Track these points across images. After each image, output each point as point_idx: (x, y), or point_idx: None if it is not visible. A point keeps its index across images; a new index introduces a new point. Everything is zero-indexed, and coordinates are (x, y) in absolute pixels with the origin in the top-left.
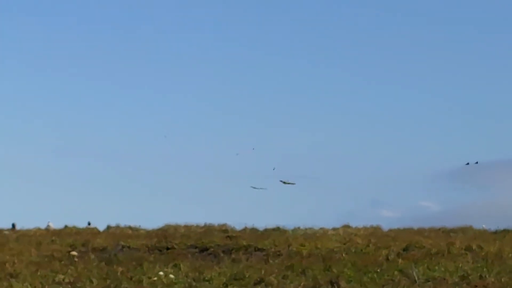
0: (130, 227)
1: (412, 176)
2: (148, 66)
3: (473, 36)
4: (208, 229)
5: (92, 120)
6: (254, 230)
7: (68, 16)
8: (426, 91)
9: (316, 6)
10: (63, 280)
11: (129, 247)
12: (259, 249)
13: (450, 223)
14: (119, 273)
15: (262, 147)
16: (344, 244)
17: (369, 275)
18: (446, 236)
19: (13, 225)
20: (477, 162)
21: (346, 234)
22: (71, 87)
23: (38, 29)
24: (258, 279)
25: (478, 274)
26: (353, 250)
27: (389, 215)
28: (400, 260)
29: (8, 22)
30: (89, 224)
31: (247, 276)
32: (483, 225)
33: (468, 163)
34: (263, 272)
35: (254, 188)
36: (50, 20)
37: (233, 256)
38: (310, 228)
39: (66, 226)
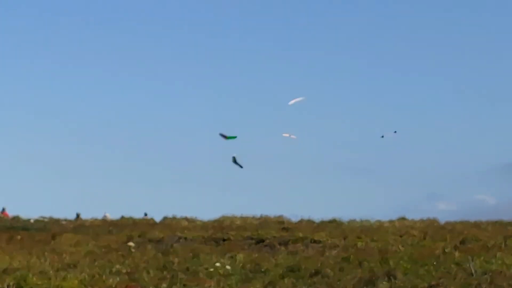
0: (186, 218)
1: (468, 169)
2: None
3: None
4: (264, 221)
5: (150, 115)
6: (310, 222)
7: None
8: (482, 86)
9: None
10: (120, 270)
11: (185, 238)
12: (315, 241)
13: (506, 216)
14: (175, 264)
15: (321, 140)
16: (401, 236)
17: (426, 267)
18: (503, 229)
19: (78, 215)
20: (395, 132)
21: (403, 227)
22: (121, 81)
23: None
24: (314, 271)
25: None
26: (410, 243)
27: (445, 208)
28: (456, 253)
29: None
30: (145, 215)
31: (303, 267)
32: None
33: (383, 136)
34: (319, 264)
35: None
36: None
37: (289, 247)
38: (366, 220)
39: (122, 217)
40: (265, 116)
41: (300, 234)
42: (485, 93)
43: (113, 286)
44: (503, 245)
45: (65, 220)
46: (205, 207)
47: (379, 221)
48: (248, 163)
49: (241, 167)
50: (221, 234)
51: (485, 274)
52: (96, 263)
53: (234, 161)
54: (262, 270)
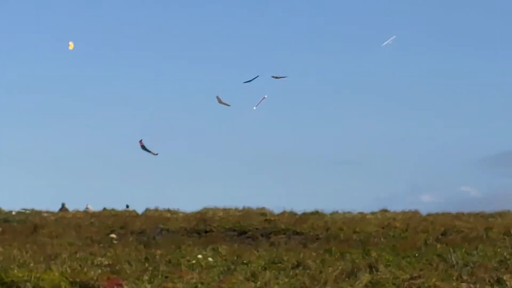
0: (168, 210)
1: (452, 161)
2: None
3: None
4: (246, 213)
5: (131, 105)
6: (292, 214)
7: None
8: (467, 78)
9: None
10: (102, 262)
11: (167, 230)
12: (297, 233)
13: (489, 208)
14: (157, 256)
15: (303, 131)
16: (383, 228)
17: (408, 259)
18: (485, 221)
19: (63, 205)
20: (285, 77)
21: (385, 219)
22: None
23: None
24: (296, 263)
25: None
26: (392, 234)
27: (429, 200)
28: (438, 245)
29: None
30: (127, 207)
31: (285, 259)
32: None
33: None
34: (301, 255)
35: (276, 77)
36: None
37: (271, 239)
38: (348, 212)
39: (104, 209)
40: (249, 108)
41: (283, 226)
42: (470, 85)
43: (95, 278)
44: (484, 237)
45: (47, 212)
46: (187, 198)
47: (361, 213)
48: (232, 154)
49: (228, 105)
50: (203, 226)
51: (467, 265)
52: (77, 255)
53: (219, 101)
54: (244, 262)
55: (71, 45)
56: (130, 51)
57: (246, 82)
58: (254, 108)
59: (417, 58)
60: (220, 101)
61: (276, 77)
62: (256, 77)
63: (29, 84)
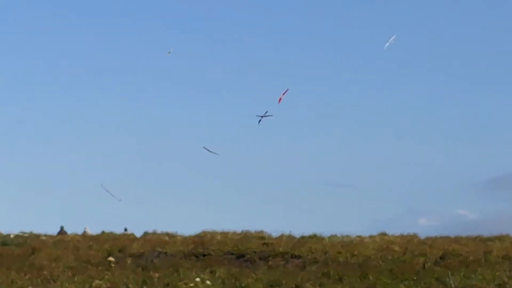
0: (167, 234)
1: (449, 185)
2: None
3: None
4: (245, 236)
5: (130, 129)
6: (290, 237)
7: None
8: (464, 102)
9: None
10: (100, 285)
11: (165, 253)
12: (295, 256)
13: (487, 232)
14: (155, 279)
15: (301, 155)
16: (381, 251)
17: (406, 282)
18: (483, 245)
19: (62, 228)
20: (269, 115)
21: (383, 242)
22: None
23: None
24: (295, 286)
25: None
26: (390, 258)
27: (426, 224)
28: (437, 268)
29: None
30: (125, 230)
31: (283, 283)
32: None
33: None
34: (299, 279)
35: (207, 150)
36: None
37: (269, 263)
38: (347, 236)
39: (103, 232)
40: (248, 130)
41: (281, 249)
42: (468, 108)
43: None
44: (483, 261)
45: (45, 235)
46: (185, 222)
47: (359, 236)
48: (230, 178)
49: (217, 154)
50: (202, 249)
51: None
52: (75, 278)
53: (208, 150)
54: (243, 285)
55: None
56: (135, 77)
57: (259, 117)
58: (279, 102)
59: (414, 81)
60: (208, 150)
61: (208, 150)
62: (270, 115)
63: (27, 107)
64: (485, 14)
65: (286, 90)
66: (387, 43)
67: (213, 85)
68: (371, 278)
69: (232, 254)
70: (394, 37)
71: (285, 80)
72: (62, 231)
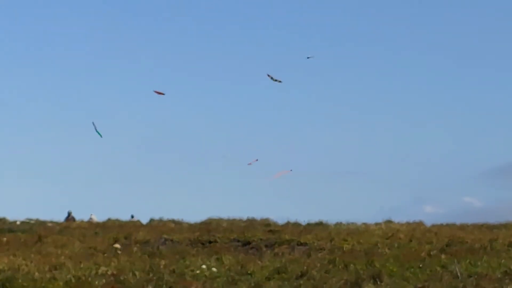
0: (173, 221)
1: (455, 172)
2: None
3: None
4: (250, 223)
5: (137, 115)
6: (296, 225)
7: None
8: (471, 91)
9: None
10: (106, 272)
11: (172, 240)
12: (301, 244)
13: (493, 219)
14: (161, 266)
15: (307, 143)
16: (387, 239)
17: (412, 270)
18: (489, 232)
19: (69, 213)
20: (280, 81)
21: (389, 229)
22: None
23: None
24: (300, 273)
25: None
26: (396, 245)
27: (432, 211)
28: (442, 256)
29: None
30: (132, 217)
31: (289, 270)
32: None
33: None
34: (305, 266)
35: (271, 78)
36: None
37: (275, 250)
38: (352, 223)
39: (109, 219)
40: (255, 118)
41: (287, 237)
42: (475, 97)
43: (99, 287)
44: (488, 248)
45: (52, 222)
46: (192, 209)
47: (365, 224)
48: (236, 165)
49: (280, 81)
50: (208, 237)
51: (471, 276)
52: (82, 265)
53: (272, 78)
54: (248, 272)
55: None
56: (143, 65)
57: (270, 77)
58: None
59: (422, 70)
60: (272, 78)
61: (272, 78)
62: (279, 81)
63: (34, 93)
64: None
65: (255, 160)
66: (310, 56)
67: (217, 68)
68: (377, 265)
69: (238, 241)
70: (312, 56)
71: (294, 60)
72: (70, 217)
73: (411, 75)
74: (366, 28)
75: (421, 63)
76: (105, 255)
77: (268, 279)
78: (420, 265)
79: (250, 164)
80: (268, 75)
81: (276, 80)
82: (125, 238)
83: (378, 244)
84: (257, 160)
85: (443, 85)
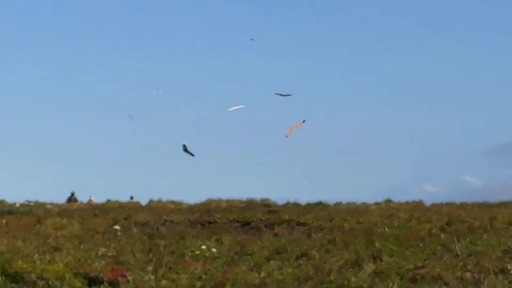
0: (172, 202)
1: (454, 151)
2: None
3: None
4: (250, 204)
5: (135, 97)
6: (296, 205)
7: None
8: (470, 69)
9: None
10: (106, 253)
11: (171, 221)
12: (301, 224)
13: (492, 198)
14: (161, 247)
15: (308, 124)
16: (387, 218)
17: (412, 249)
18: (489, 211)
19: (72, 194)
20: (290, 95)
21: (388, 209)
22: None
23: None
24: (300, 253)
25: None
26: (396, 225)
27: (432, 190)
28: (442, 234)
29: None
30: (131, 198)
31: (289, 250)
32: None
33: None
34: (305, 246)
35: (280, 95)
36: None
37: (275, 230)
38: (352, 203)
39: (108, 200)
40: (254, 101)
41: (286, 217)
42: (473, 75)
43: (99, 269)
44: (488, 227)
45: (51, 204)
46: (191, 190)
47: (365, 204)
48: (235, 146)
49: (193, 155)
50: (207, 217)
51: (471, 255)
52: (81, 247)
53: (185, 149)
54: (248, 252)
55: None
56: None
57: (278, 94)
58: (229, 109)
59: (420, 50)
60: (185, 150)
61: (281, 95)
62: (289, 95)
63: (34, 75)
64: None
65: (303, 121)
66: (232, 108)
67: (218, 51)
68: (376, 244)
69: (238, 221)
70: (241, 106)
71: (294, 45)
72: (72, 197)
73: (409, 54)
74: (364, 16)
75: (419, 44)
76: (105, 236)
77: (268, 259)
78: (420, 244)
79: (296, 126)
80: (276, 94)
81: (286, 95)
82: (125, 219)
83: (378, 224)
84: (304, 121)
85: (442, 63)
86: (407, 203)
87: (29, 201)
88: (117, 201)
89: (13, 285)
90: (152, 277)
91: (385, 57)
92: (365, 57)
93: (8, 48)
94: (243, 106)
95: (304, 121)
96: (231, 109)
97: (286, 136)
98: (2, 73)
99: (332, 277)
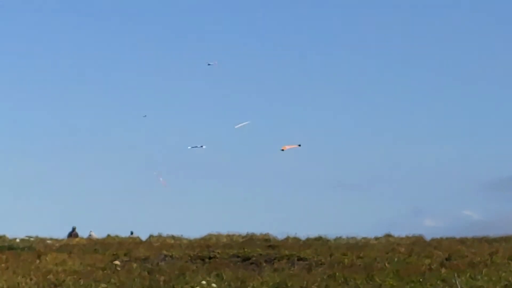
0: (172, 237)
1: (454, 185)
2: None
3: None
4: (250, 239)
5: (133, 132)
6: (296, 240)
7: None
8: (470, 102)
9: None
10: None
11: (171, 256)
12: (301, 259)
13: (492, 233)
14: (161, 283)
15: (306, 156)
16: (387, 253)
17: (412, 284)
18: (489, 246)
19: (73, 229)
20: (299, 145)
21: (389, 243)
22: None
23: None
24: None
25: None
26: (396, 259)
27: (432, 224)
28: (442, 270)
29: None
30: (131, 233)
31: (289, 285)
32: None
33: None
34: (305, 281)
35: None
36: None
37: (275, 265)
38: (352, 238)
39: (108, 236)
40: (252, 133)
41: (286, 252)
42: (474, 109)
43: None
44: (489, 262)
45: (51, 239)
46: (191, 225)
47: (365, 238)
48: (235, 180)
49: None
50: (207, 252)
51: None
52: (81, 282)
53: (193, 147)
54: (248, 287)
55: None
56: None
57: (238, 126)
58: (236, 127)
59: (421, 82)
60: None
61: (290, 147)
62: (247, 123)
63: (34, 109)
64: (492, 14)
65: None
66: (239, 125)
67: (212, 85)
68: (377, 280)
69: (238, 256)
70: (247, 122)
71: (289, 77)
72: (74, 232)
73: (409, 87)
74: (362, 36)
75: (420, 75)
76: (105, 272)
77: None
78: (420, 279)
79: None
80: (282, 149)
81: (295, 146)
82: (125, 254)
83: (378, 259)
84: (299, 145)
85: (442, 97)
86: (407, 237)
87: (30, 236)
88: (117, 236)
89: None
90: None
91: (385, 91)
92: (365, 90)
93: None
94: (248, 122)
95: (299, 145)
96: (238, 126)
97: (282, 150)
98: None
99: None
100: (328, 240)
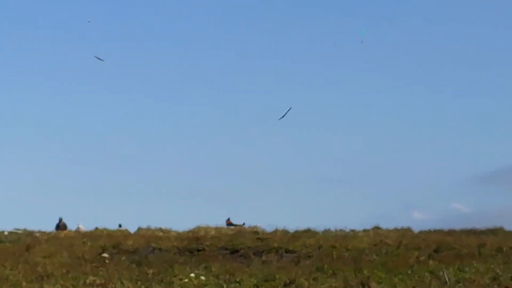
0: (161, 229)
1: (443, 178)
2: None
3: None
4: (238, 231)
5: (124, 126)
6: (284, 232)
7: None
8: (458, 96)
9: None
10: (94, 281)
11: (160, 249)
12: (289, 251)
13: (480, 225)
14: (150, 275)
15: (296, 150)
16: (375, 245)
17: (400, 276)
18: (477, 238)
19: (60, 220)
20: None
21: (377, 236)
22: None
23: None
24: (289, 281)
25: (510, 275)
26: (384, 252)
27: (421, 217)
28: (430, 262)
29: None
30: (120, 226)
31: (277, 277)
32: None
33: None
34: (293, 273)
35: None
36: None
37: (263, 258)
38: (341, 230)
39: (96, 228)
40: (244, 128)
41: (275, 244)
42: (463, 102)
43: None
44: (476, 254)
45: (39, 232)
46: (179, 217)
47: (353, 231)
48: (224, 173)
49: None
50: (196, 245)
51: (459, 282)
52: (70, 275)
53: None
54: (237, 280)
55: None
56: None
57: (281, 117)
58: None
59: (410, 75)
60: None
61: (283, 115)
62: (289, 109)
63: (25, 101)
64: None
65: (289, 109)
66: (283, 115)
67: (209, 82)
68: (365, 272)
69: (226, 249)
70: (289, 109)
71: (283, 75)
72: (61, 223)
73: (397, 82)
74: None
75: (411, 70)
76: (93, 264)
77: (257, 286)
78: (409, 272)
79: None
80: (280, 119)
81: (287, 112)
82: (113, 247)
83: (366, 251)
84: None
85: (431, 91)
86: (395, 230)
87: (18, 229)
88: (105, 229)
89: None
90: None
91: (376, 86)
92: (356, 86)
93: None
94: (290, 108)
95: (290, 108)
96: (281, 117)
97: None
98: None
99: None
100: (316, 233)
